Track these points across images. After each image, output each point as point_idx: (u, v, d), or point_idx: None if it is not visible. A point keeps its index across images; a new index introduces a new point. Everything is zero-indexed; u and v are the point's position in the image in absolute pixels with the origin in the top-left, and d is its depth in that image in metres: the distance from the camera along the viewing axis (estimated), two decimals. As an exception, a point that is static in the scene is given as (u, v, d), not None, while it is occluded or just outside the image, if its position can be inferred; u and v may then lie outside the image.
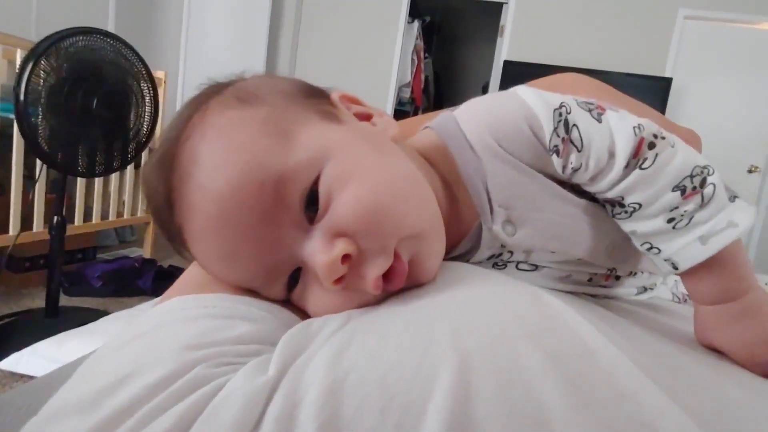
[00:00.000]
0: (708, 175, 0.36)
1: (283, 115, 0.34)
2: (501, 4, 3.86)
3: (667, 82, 3.52)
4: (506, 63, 3.77)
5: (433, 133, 0.43)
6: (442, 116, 0.43)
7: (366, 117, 0.40)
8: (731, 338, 0.38)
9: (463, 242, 0.40)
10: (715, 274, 0.38)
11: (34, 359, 1.38)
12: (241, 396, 0.23)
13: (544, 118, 0.37)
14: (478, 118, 0.40)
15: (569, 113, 0.37)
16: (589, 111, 0.38)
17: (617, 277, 0.45)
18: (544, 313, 0.31)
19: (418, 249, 0.33)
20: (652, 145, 0.36)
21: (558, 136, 0.37)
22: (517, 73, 3.60)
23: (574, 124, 0.37)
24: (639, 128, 0.37)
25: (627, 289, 0.47)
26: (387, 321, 0.29)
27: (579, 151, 0.37)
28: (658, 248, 0.38)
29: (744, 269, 0.38)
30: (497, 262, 0.41)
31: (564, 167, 0.38)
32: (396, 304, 0.32)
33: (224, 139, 0.32)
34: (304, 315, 0.35)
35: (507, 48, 3.84)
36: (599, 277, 0.44)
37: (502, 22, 3.89)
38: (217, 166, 0.31)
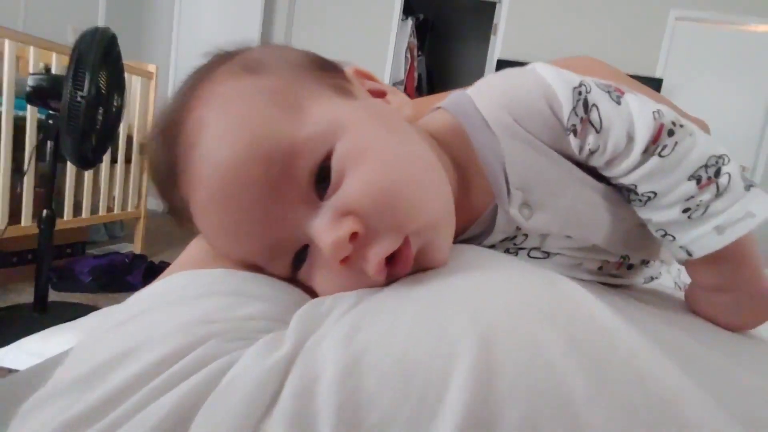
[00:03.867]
0: (723, 164, 0.36)
1: (292, 86, 0.32)
2: (494, 3, 3.87)
3: (657, 83, 3.55)
4: (500, 62, 3.77)
5: (446, 114, 0.41)
6: (456, 95, 0.42)
7: (380, 94, 0.39)
8: (721, 317, 0.40)
9: (475, 225, 0.39)
10: (726, 263, 0.38)
11: (21, 354, 1.34)
12: (256, 371, 0.22)
13: (563, 96, 0.36)
14: (494, 96, 0.39)
15: (589, 92, 0.37)
16: (608, 93, 0.37)
17: (629, 266, 0.44)
18: (560, 296, 0.30)
19: (429, 238, 0.32)
20: (671, 133, 0.36)
21: (576, 115, 0.36)
22: (511, 72, 3.60)
23: (593, 104, 0.36)
24: (658, 113, 0.36)
25: (636, 278, 0.46)
26: (399, 302, 0.28)
27: (597, 132, 0.36)
28: (672, 236, 0.38)
29: (755, 259, 0.38)
30: (509, 247, 0.40)
31: (581, 148, 0.37)
32: (407, 286, 0.30)
33: (231, 108, 0.31)
34: (311, 294, 0.33)
35: (500, 46, 3.85)
36: (610, 265, 0.43)
37: (495, 21, 3.89)
38: (222, 136, 0.30)
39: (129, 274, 2.23)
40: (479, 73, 4.35)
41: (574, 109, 0.36)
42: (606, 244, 0.40)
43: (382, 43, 3.99)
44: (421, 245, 0.32)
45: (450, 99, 0.42)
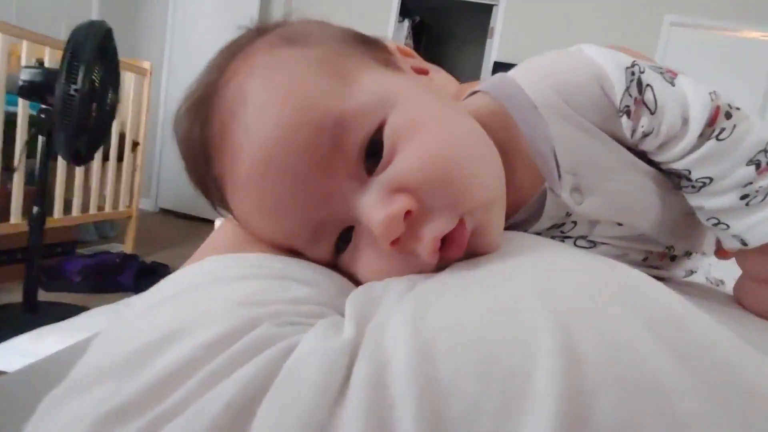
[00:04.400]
0: None
1: (338, 57, 0.31)
2: (491, 6, 3.87)
3: (652, 87, 3.58)
4: (496, 64, 3.78)
5: (487, 97, 0.39)
6: (496, 78, 0.40)
7: (423, 72, 0.37)
8: None
9: (522, 210, 0.38)
10: None
11: (10, 355, 1.30)
12: (320, 357, 0.20)
13: (615, 76, 0.35)
14: (542, 77, 0.37)
15: (642, 72, 0.35)
16: (661, 74, 0.36)
17: (672, 258, 0.42)
18: (625, 280, 0.28)
19: (484, 218, 0.30)
20: (728, 115, 0.34)
21: (630, 96, 0.35)
22: (508, 75, 3.61)
23: (647, 85, 0.35)
24: (714, 95, 0.35)
25: (678, 271, 0.44)
26: (461, 285, 0.26)
27: (652, 114, 0.35)
28: (726, 224, 0.36)
29: None
30: (555, 235, 0.38)
31: (634, 131, 0.35)
32: (465, 269, 0.28)
33: (275, 77, 0.29)
34: (352, 281, 0.31)
35: (497, 49, 3.85)
36: (655, 256, 0.41)
37: (492, 24, 3.90)
38: (267, 106, 0.28)
39: (120, 275, 2.19)
40: (475, 76, 4.34)
41: (627, 89, 0.35)
42: (654, 232, 0.39)
43: (378, 44, 3.98)
44: (475, 226, 0.30)
45: (490, 82, 0.40)
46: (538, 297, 0.24)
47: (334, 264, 0.32)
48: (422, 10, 4.73)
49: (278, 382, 0.19)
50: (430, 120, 0.29)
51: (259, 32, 0.33)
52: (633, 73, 0.35)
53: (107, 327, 0.25)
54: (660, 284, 0.28)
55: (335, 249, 0.31)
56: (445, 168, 0.28)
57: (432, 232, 0.27)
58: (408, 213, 0.27)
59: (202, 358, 0.20)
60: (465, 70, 5.25)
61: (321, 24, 0.35)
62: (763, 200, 0.34)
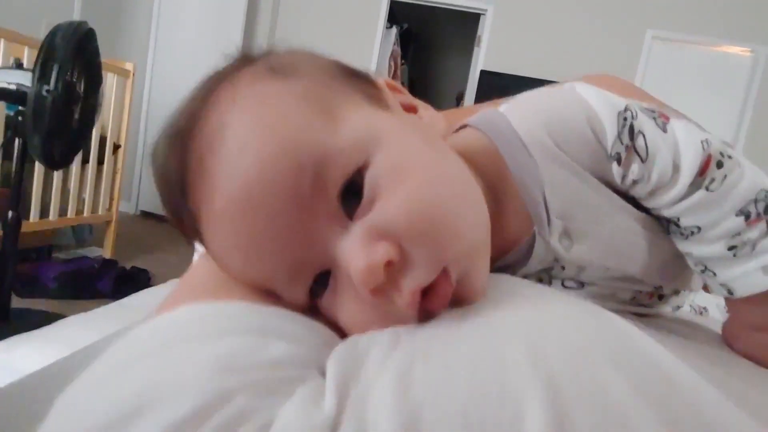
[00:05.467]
0: None
1: (324, 92, 0.30)
2: (478, 15, 3.90)
3: (635, 99, 3.64)
4: (482, 73, 3.80)
5: (477, 133, 0.38)
6: (487, 113, 0.39)
7: (411, 108, 0.36)
8: (765, 359, 0.36)
9: (510, 254, 0.37)
10: None
11: (-19, 366, 1.26)
12: None
13: (607, 121, 0.34)
14: (533, 117, 0.36)
15: (635, 118, 0.34)
16: (654, 119, 0.35)
17: (660, 296, 0.42)
18: (615, 333, 0.27)
19: (468, 266, 0.29)
20: (720, 164, 0.34)
21: (621, 143, 0.34)
22: (494, 84, 3.63)
23: (640, 131, 0.34)
24: (706, 143, 0.34)
25: (665, 307, 0.44)
26: (446, 343, 0.25)
27: (643, 161, 0.34)
28: (713, 272, 0.36)
29: None
30: (542, 276, 0.38)
31: (624, 177, 0.35)
32: (450, 323, 0.27)
33: (257, 111, 0.28)
34: (335, 327, 0.30)
35: (483, 58, 3.88)
36: (643, 295, 0.41)
37: (479, 32, 3.93)
38: (247, 141, 0.27)
39: (98, 281, 2.14)
40: (462, 84, 4.37)
41: (619, 135, 0.34)
42: (643, 275, 0.38)
43: (366, 50, 3.98)
44: (459, 276, 0.28)
45: (481, 117, 0.39)
46: (525, 360, 0.23)
47: (313, 308, 0.31)
48: (410, 17, 4.74)
49: None
50: (415, 164, 0.28)
51: (245, 61, 0.32)
52: (625, 119, 0.34)
53: (72, 388, 0.23)
54: (647, 337, 0.27)
55: (311, 292, 0.30)
56: (430, 218, 0.27)
57: (411, 283, 0.26)
58: (389, 262, 0.26)
59: None
60: (452, 78, 5.29)
61: (308, 55, 0.34)
62: (751, 252, 0.34)
